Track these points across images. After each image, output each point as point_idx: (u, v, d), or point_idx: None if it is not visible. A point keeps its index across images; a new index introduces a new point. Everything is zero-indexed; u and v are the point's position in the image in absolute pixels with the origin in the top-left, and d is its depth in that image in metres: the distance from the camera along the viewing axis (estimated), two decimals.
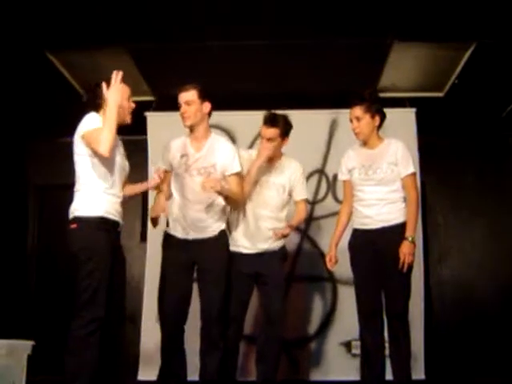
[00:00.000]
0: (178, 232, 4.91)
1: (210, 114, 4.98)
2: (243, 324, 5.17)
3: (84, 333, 4.02)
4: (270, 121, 5.13)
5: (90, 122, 4.24)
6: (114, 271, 4.24)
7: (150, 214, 4.93)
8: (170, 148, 5.03)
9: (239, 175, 4.97)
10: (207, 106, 4.92)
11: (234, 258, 5.05)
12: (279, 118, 5.15)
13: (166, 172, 4.94)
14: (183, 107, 4.89)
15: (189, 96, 4.88)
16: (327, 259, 5.16)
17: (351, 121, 5.03)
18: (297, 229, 6.15)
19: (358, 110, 4.97)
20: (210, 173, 4.86)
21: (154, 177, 4.65)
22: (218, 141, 5.02)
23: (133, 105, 4.49)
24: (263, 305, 5.24)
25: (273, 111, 5.20)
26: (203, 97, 4.90)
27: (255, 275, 5.13)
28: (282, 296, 5.16)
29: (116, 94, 4.19)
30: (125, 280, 4.51)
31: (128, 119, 4.46)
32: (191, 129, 4.94)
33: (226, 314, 4.96)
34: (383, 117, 5.05)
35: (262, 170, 5.17)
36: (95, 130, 4.16)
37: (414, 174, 4.99)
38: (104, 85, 4.26)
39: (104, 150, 4.08)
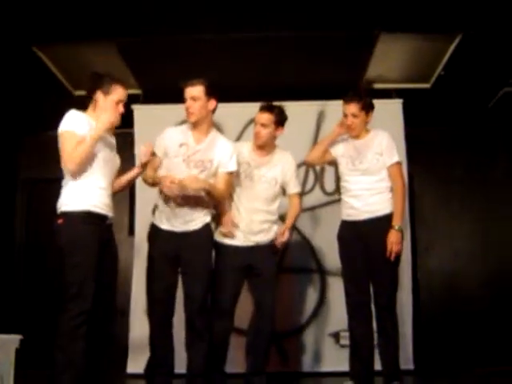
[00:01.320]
0: (164, 224, 4.91)
1: (214, 111, 4.95)
2: (233, 317, 5.16)
3: (71, 326, 4.02)
4: (266, 107, 5.16)
5: (68, 122, 4.23)
6: (104, 264, 4.23)
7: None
8: (168, 135, 4.99)
9: (231, 174, 4.96)
10: (213, 103, 4.87)
11: (226, 251, 5.06)
12: (275, 106, 5.18)
13: (154, 155, 4.88)
14: (188, 102, 4.83)
15: (195, 92, 4.81)
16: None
17: (346, 116, 5.06)
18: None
19: (354, 107, 5.01)
20: (206, 167, 4.86)
21: (142, 154, 4.61)
22: (219, 138, 5.00)
23: (121, 109, 4.45)
24: (254, 297, 5.24)
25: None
26: (210, 93, 4.82)
27: (247, 267, 5.13)
28: (273, 289, 5.17)
29: (110, 120, 4.21)
30: (116, 273, 4.50)
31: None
32: (194, 124, 4.90)
33: (213, 306, 4.98)
34: (373, 111, 5.10)
35: (254, 162, 5.20)
36: (70, 142, 4.17)
37: (399, 163, 5.04)
38: (100, 94, 4.32)
39: (70, 169, 4.17)
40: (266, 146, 5.22)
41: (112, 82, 4.39)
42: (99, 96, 4.36)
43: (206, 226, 4.93)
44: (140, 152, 4.60)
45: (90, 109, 4.40)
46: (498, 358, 6.77)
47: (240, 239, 5.13)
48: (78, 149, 4.13)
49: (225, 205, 5.08)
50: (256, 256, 5.12)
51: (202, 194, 4.72)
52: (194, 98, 4.81)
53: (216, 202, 4.98)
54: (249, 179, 5.17)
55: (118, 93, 4.41)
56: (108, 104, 4.37)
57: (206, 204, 4.90)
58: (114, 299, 4.50)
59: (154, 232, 4.99)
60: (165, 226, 4.89)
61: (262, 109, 5.17)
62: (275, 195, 5.25)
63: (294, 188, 5.34)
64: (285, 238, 5.17)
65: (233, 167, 4.94)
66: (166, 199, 4.88)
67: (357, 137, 5.10)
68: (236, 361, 5.93)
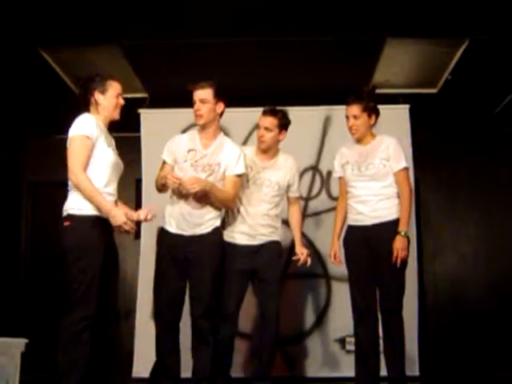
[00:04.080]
0: (173, 227, 4.90)
1: (222, 114, 4.97)
2: (237, 321, 5.16)
3: (75, 331, 4.02)
4: (270, 111, 5.17)
5: (79, 127, 4.23)
6: (107, 269, 4.23)
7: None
8: (177, 141, 5.02)
9: (239, 177, 4.95)
10: (221, 106, 4.89)
11: (230, 254, 5.04)
12: (279, 110, 5.18)
13: (165, 164, 4.98)
14: (197, 105, 4.85)
15: (204, 94, 4.84)
16: (331, 255, 5.19)
17: (347, 118, 5.04)
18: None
19: (355, 109, 4.98)
20: (214, 171, 4.86)
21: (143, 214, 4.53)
22: (226, 141, 5.01)
23: (122, 101, 4.48)
24: (259, 302, 5.23)
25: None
26: (218, 96, 4.86)
27: (251, 272, 5.13)
28: (278, 293, 5.15)
29: (114, 222, 4.21)
30: (118, 278, 4.50)
31: (116, 115, 4.47)
32: (202, 126, 4.92)
33: (216, 310, 4.95)
34: (378, 115, 5.07)
35: (257, 167, 5.19)
36: (79, 149, 4.19)
37: (406, 169, 5.00)
38: (99, 95, 4.35)
39: (73, 180, 4.18)
40: (269, 150, 5.22)
41: (104, 79, 4.43)
42: (98, 96, 4.38)
43: (216, 230, 4.92)
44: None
45: (93, 112, 4.40)
46: (504, 364, 6.77)
47: (243, 242, 5.13)
48: (88, 183, 4.15)
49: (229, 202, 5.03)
50: (261, 260, 5.11)
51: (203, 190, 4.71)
52: (202, 101, 4.83)
53: (221, 205, 4.97)
54: (252, 183, 5.18)
55: (114, 87, 4.44)
56: (109, 101, 4.40)
57: (217, 208, 4.91)
58: (115, 303, 4.49)
59: (163, 235, 4.98)
60: (174, 229, 4.89)
61: (266, 113, 5.18)
62: (278, 199, 5.25)
63: (296, 192, 5.39)
64: (305, 255, 5.22)
65: (240, 170, 4.93)
66: (175, 195, 4.89)
67: (362, 142, 5.08)
68: (240, 365, 5.92)
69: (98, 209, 4.16)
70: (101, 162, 4.26)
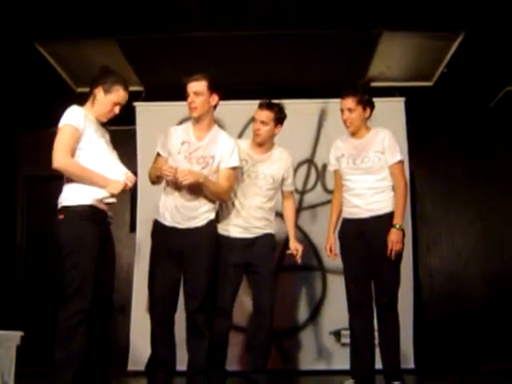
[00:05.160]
0: (167, 220, 4.89)
1: (216, 106, 4.95)
2: (232, 314, 5.16)
3: (69, 324, 4.01)
4: (266, 104, 5.16)
5: (67, 118, 4.22)
6: (102, 262, 4.21)
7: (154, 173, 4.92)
8: (171, 134, 4.98)
9: (233, 170, 4.94)
10: (215, 98, 4.87)
11: (224, 247, 5.03)
12: (275, 103, 5.18)
13: (160, 156, 4.97)
14: (191, 97, 4.83)
15: (198, 86, 4.81)
16: (327, 248, 5.19)
17: (342, 111, 5.04)
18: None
19: (350, 102, 4.99)
20: (208, 163, 4.85)
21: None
22: (220, 134, 4.99)
23: (116, 111, 4.43)
24: (253, 295, 5.23)
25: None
26: (212, 88, 4.83)
27: (245, 265, 5.13)
28: (272, 286, 5.15)
29: (115, 191, 4.25)
30: (114, 270, 4.48)
31: (104, 119, 4.43)
32: (196, 119, 4.91)
33: (211, 303, 4.93)
34: (373, 108, 5.07)
35: (252, 160, 5.19)
36: (65, 137, 4.18)
37: (401, 162, 5.01)
38: (100, 91, 4.34)
39: (54, 165, 4.17)
40: (264, 144, 5.22)
41: (115, 82, 4.38)
42: (99, 92, 4.35)
43: (210, 223, 4.91)
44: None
45: (89, 103, 4.39)
46: (499, 357, 6.79)
47: (237, 235, 5.12)
48: (75, 163, 4.19)
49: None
50: (254, 253, 5.11)
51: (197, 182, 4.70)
52: (196, 93, 4.81)
53: (215, 198, 4.96)
54: (247, 176, 5.18)
55: (119, 95, 4.40)
56: (105, 102, 4.37)
57: (211, 201, 4.91)
58: (111, 297, 4.48)
59: (158, 228, 4.97)
60: (168, 222, 4.87)
61: (262, 106, 5.17)
62: (273, 193, 5.24)
63: (290, 186, 5.38)
64: (300, 251, 5.22)
65: (234, 163, 4.92)
66: (170, 186, 4.88)
67: (357, 135, 5.08)
68: (235, 358, 5.92)
69: (93, 184, 4.20)
70: (95, 153, 4.25)
